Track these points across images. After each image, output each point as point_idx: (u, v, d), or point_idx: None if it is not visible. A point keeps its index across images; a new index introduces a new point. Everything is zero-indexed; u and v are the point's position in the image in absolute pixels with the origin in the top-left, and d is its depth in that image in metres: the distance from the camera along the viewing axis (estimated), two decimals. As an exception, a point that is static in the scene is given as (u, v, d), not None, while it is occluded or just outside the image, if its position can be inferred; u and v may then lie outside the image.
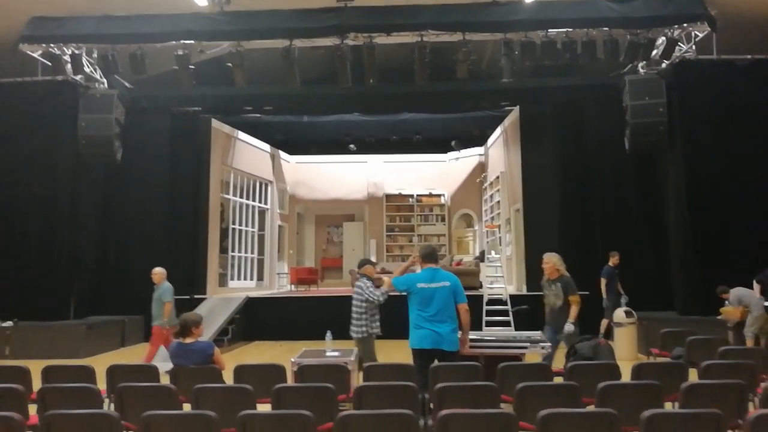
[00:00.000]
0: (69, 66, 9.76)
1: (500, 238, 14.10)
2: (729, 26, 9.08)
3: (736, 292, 7.95)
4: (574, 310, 5.93)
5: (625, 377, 4.48)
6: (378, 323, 6.24)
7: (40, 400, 3.88)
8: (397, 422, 3.03)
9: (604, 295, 9.71)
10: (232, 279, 14.16)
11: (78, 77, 10.15)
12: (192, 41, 9.28)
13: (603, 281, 9.78)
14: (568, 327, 5.91)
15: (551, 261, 6.16)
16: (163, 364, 5.22)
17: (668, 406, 3.94)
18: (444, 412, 3.02)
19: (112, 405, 4.18)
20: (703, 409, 2.97)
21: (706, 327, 8.17)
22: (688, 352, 5.88)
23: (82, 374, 4.61)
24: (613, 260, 9.85)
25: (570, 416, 2.97)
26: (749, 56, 9.61)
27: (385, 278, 4.95)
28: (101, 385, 4.51)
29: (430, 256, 5.03)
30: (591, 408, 3.46)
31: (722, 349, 5.11)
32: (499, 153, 14.60)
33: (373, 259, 17.19)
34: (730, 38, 9.34)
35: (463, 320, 4.89)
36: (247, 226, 15.03)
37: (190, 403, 3.89)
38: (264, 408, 3.87)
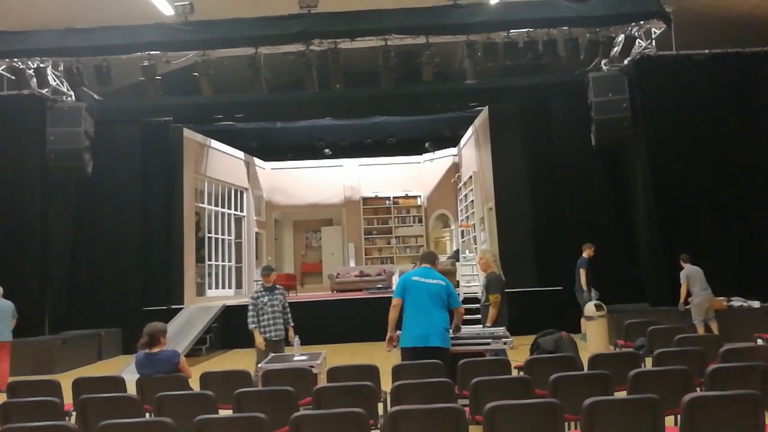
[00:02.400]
0: (34, 80, 9.71)
1: (475, 237, 14.25)
2: (686, 22, 9.33)
3: (687, 270, 8.26)
4: (491, 312, 5.89)
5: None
6: (266, 327, 6.48)
7: (3, 415, 3.90)
8: (351, 421, 3.10)
9: (584, 287, 9.58)
10: (209, 288, 14.14)
11: (44, 91, 10.10)
12: (157, 52, 9.29)
13: (583, 272, 9.66)
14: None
15: (485, 257, 6.29)
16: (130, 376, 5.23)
17: (621, 395, 4.06)
18: (394, 408, 3.11)
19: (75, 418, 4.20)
20: (641, 395, 3.10)
21: (677, 317, 8.41)
22: (649, 341, 6.04)
23: (47, 388, 4.62)
24: (588, 252, 9.82)
25: (516, 407, 3.07)
26: (707, 51, 9.87)
27: (392, 307, 4.96)
28: (71, 399, 4.54)
29: (428, 256, 5.27)
30: (536, 399, 3.56)
31: (678, 337, 5.27)
32: (471, 153, 14.76)
33: (353, 262, 17.31)
34: (688, 34, 9.58)
35: (456, 320, 5.11)
36: (223, 234, 15.01)
37: (153, 412, 3.94)
38: (227, 414, 3.92)
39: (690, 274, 8.37)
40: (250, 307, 6.52)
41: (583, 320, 9.56)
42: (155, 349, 4.70)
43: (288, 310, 6.71)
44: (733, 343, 5.41)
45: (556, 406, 3.03)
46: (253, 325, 6.47)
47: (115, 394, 4.15)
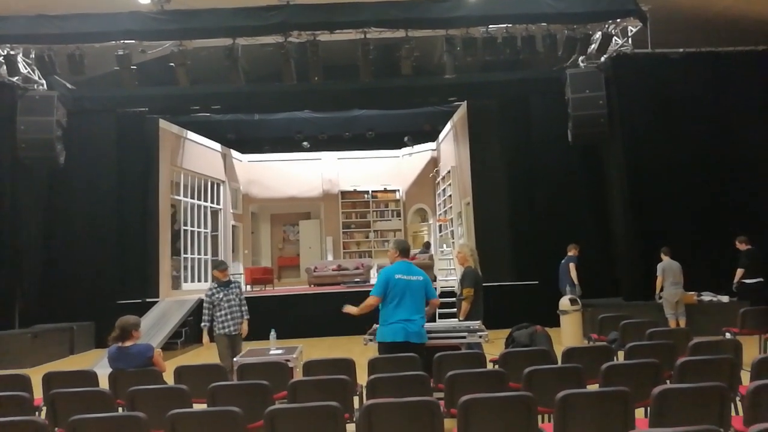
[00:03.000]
0: (4, 67, 9.49)
1: (452, 231, 14.32)
2: (662, 21, 9.46)
3: (664, 264, 8.44)
4: (464, 306, 5.91)
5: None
6: (224, 322, 6.43)
7: (-31, 410, 3.81)
8: (326, 415, 3.10)
9: (576, 282, 9.52)
10: (185, 281, 13.99)
11: (15, 79, 9.86)
12: (133, 41, 9.13)
13: (573, 266, 9.61)
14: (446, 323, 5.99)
15: (462, 251, 6.34)
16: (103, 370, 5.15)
17: (593, 388, 4.12)
18: (369, 402, 3.11)
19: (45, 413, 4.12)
20: (613, 388, 3.15)
21: (650, 311, 8.57)
22: (621, 335, 6.14)
23: (16, 383, 4.53)
24: (574, 251, 9.81)
25: (490, 400, 3.09)
26: (681, 50, 10.03)
27: (369, 300, 4.91)
28: (41, 393, 4.45)
29: (406, 251, 5.18)
30: (510, 393, 3.60)
31: (649, 331, 5.36)
32: (449, 148, 14.82)
33: (331, 256, 17.27)
34: (664, 32, 9.72)
35: (429, 311, 5.08)
36: (199, 227, 14.86)
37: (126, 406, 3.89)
38: (201, 408, 3.89)
39: (666, 267, 8.53)
40: (205, 305, 6.42)
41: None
42: (128, 343, 4.63)
43: (244, 303, 6.63)
44: (702, 336, 5.51)
45: (530, 399, 3.07)
46: (204, 324, 6.40)
47: (87, 389, 4.09)
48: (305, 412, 3.10)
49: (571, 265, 9.69)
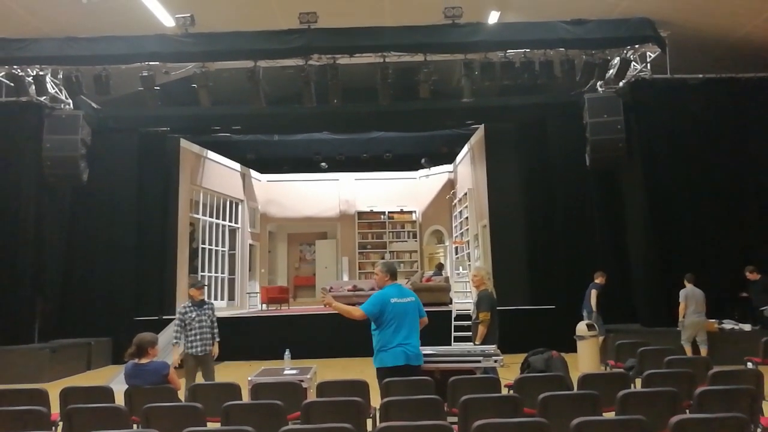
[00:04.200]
0: (33, 87, 9.75)
1: (468, 254, 14.27)
2: (681, 47, 9.47)
3: (687, 291, 8.33)
4: (480, 330, 5.88)
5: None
6: (193, 342, 6.38)
7: (-12, 423, 3.87)
8: (339, 436, 3.10)
9: (594, 310, 9.40)
10: (202, 299, 14.05)
11: (42, 98, 10.14)
12: (157, 62, 9.35)
13: (594, 293, 9.46)
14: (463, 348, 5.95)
15: (479, 274, 6.30)
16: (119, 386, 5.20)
17: (610, 415, 4.06)
18: (383, 424, 3.10)
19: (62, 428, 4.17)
20: (629, 416, 3.11)
21: (668, 338, 8.44)
22: (639, 362, 6.05)
23: (35, 397, 4.59)
24: (601, 279, 9.63)
25: (504, 426, 3.07)
26: (701, 75, 10.00)
27: (353, 310, 4.89)
28: (57, 409, 4.50)
29: (395, 273, 5.09)
30: (524, 418, 3.56)
31: (668, 358, 5.28)
32: (466, 170, 14.84)
33: (346, 276, 17.29)
34: (683, 58, 9.72)
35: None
36: (217, 245, 14.99)
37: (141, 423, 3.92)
38: (215, 426, 3.90)
39: (689, 294, 8.42)
40: (177, 323, 6.39)
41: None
42: (144, 360, 4.68)
43: (216, 325, 6.58)
44: (722, 365, 5.42)
45: (544, 425, 3.04)
46: (176, 341, 6.36)
47: (103, 405, 4.13)
48: (318, 433, 3.10)
49: (593, 292, 9.55)
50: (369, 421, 4.23)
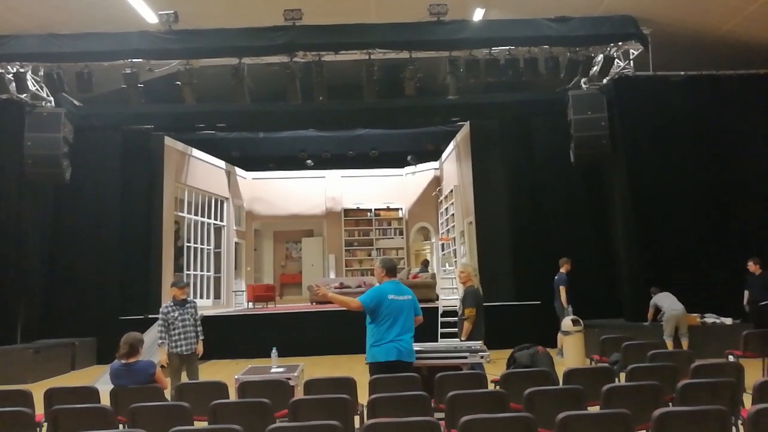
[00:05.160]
0: (13, 84, 9.61)
1: (454, 250, 14.33)
2: (664, 44, 9.58)
3: (655, 299, 8.55)
4: (466, 326, 5.94)
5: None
6: (177, 341, 6.34)
7: (-29, 425, 3.82)
8: (326, 434, 3.10)
9: (565, 305, 9.46)
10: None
11: (23, 96, 9.99)
12: (140, 59, 9.26)
13: (563, 289, 9.54)
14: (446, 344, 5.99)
15: (466, 270, 6.33)
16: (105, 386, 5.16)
17: (594, 410, 4.11)
18: (370, 421, 3.12)
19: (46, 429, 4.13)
20: (613, 410, 3.15)
21: (652, 333, 8.55)
22: (623, 357, 6.12)
23: (19, 399, 4.54)
24: (566, 267, 9.75)
25: (490, 421, 3.10)
26: (683, 73, 10.12)
27: (350, 301, 4.88)
28: (41, 410, 4.45)
29: (393, 270, 5.12)
30: (511, 413, 3.60)
31: (651, 352, 5.35)
32: (452, 167, 14.89)
33: (333, 274, 17.28)
34: (666, 55, 9.83)
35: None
36: (203, 243, 14.91)
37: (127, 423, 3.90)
38: (202, 425, 3.89)
39: (657, 301, 8.60)
40: (160, 323, 6.34)
41: (560, 335, 9.62)
42: (131, 360, 4.65)
43: (199, 323, 6.56)
44: (704, 359, 5.50)
45: (530, 420, 3.07)
46: (161, 341, 6.30)
47: (88, 405, 4.10)
48: (307, 431, 3.11)
49: (561, 289, 9.60)
50: (357, 418, 4.25)
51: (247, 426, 3.30)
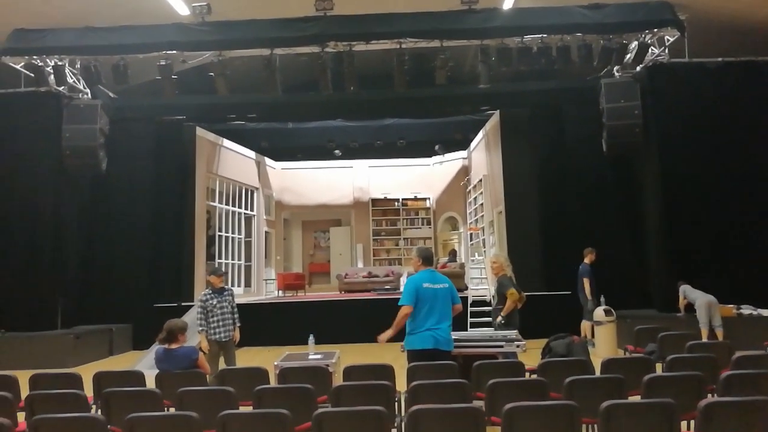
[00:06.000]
0: (52, 77, 9.83)
1: (484, 240, 14.29)
2: (700, 30, 9.36)
3: (683, 289, 8.45)
4: (508, 304, 6.20)
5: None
6: (216, 329, 6.39)
7: (28, 406, 3.98)
8: (371, 419, 3.17)
9: (589, 297, 9.39)
10: (219, 286, 14.21)
11: (61, 88, 10.23)
12: (174, 51, 9.40)
13: (586, 281, 9.47)
14: (498, 320, 6.28)
15: (498, 261, 6.43)
16: (149, 371, 5.32)
17: (635, 399, 4.11)
18: (414, 407, 3.18)
19: (99, 411, 4.28)
20: (657, 399, 3.16)
21: (683, 324, 8.46)
22: (660, 347, 6.08)
23: (69, 381, 4.71)
24: (590, 257, 9.62)
25: (533, 409, 3.13)
26: (719, 59, 9.88)
27: (401, 317, 4.94)
28: (89, 392, 4.61)
29: (429, 259, 5.20)
30: (554, 401, 3.62)
31: (690, 343, 5.31)
32: (481, 156, 14.82)
33: (361, 263, 17.39)
34: (702, 41, 9.61)
35: (453, 314, 5.08)
36: (233, 233, 15.13)
37: (174, 406, 4.02)
38: (246, 410, 3.99)
39: (687, 292, 8.52)
40: (199, 311, 6.40)
41: (583, 324, 9.57)
42: (174, 345, 4.79)
43: (236, 310, 6.64)
44: (741, 351, 5.44)
45: (573, 408, 3.10)
46: (202, 329, 6.36)
47: (138, 388, 4.24)
48: (352, 415, 3.18)
49: (585, 281, 9.49)
50: (395, 405, 4.31)
51: (292, 411, 3.38)
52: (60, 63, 9.80)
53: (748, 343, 7.39)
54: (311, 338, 5.81)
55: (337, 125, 15.09)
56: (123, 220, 11.69)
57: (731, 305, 8.95)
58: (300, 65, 10.44)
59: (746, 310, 9.06)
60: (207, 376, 4.92)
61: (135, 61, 9.58)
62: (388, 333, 5.02)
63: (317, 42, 9.15)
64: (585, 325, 9.58)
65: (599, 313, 9.02)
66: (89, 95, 10.70)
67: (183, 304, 11.77)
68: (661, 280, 10.10)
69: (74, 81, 10.33)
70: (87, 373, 4.95)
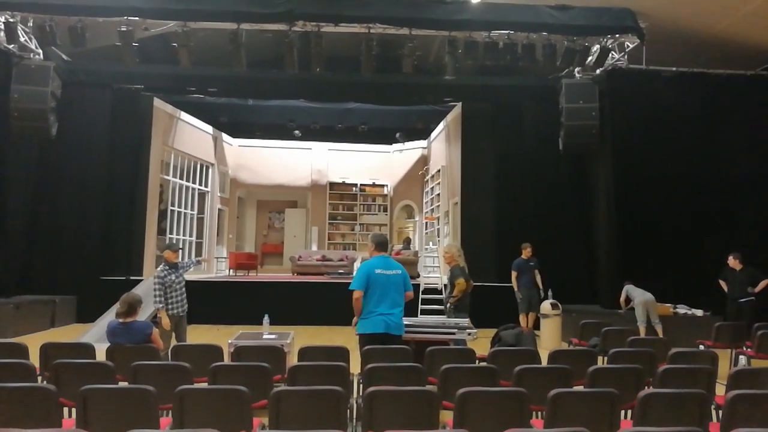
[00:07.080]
0: (2, 34, 9.39)
1: (438, 230, 14.49)
2: (658, 39, 9.71)
3: (627, 288, 8.82)
4: (455, 292, 6.39)
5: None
6: (173, 304, 6.38)
7: (-29, 375, 3.86)
8: (329, 398, 3.23)
9: (515, 288, 9.74)
10: (169, 261, 13.95)
11: (11, 46, 9.76)
12: (137, 18, 9.10)
13: (513, 274, 9.78)
14: (447, 306, 6.53)
15: (451, 251, 6.63)
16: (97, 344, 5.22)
17: (579, 388, 4.31)
18: (371, 388, 3.25)
19: (46, 383, 4.19)
20: (601, 389, 3.34)
21: (627, 320, 8.84)
22: (602, 341, 6.37)
23: (13, 351, 4.58)
24: (525, 252, 9.89)
25: (485, 394, 3.26)
26: (674, 68, 10.30)
27: (355, 302, 4.98)
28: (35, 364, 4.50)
29: (383, 245, 5.27)
30: (505, 388, 3.77)
31: (630, 338, 5.59)
32: (441, 147, 14.98)
33: (315, 246, 17.35)
34: (659, 50, 9.98)
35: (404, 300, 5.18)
36: (186, 208, 14.85)
37: (127, 380, 3.97)
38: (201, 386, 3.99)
39: (629, 291, 8.83)
40: (158, 286, 6.30)
41: (521, 317, 9.81)
42: (129, 319, 4.72)
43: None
44: (677, 347, 5.74)
45: (523, 395, 3.24)
46: (161, 305, 6.27)
47: (89, 360, 4.17)
48: (310, 395, 3.23)
49: (513, 273, 9.82)
50: (351, 386, 4.39)
51: (248, 388, 3.41)
52: (12, 20, 9.32)
53: (684, 339, 7.82)
54: (266, 318, 5.83)
55: (299, 105, 14.95)
56: (72, 189, 11.30)
57: (669, 304, 9.42)
58: (266, 41, 10.28)
59: (681, 309, 9.56)
60: (159, 351, 4.88)
61: (94, 24, 9.22)
62: (355, 319, 5.11)
63: (286, 20, 9.03)
64: (521, 318, 9.83)
65: (546, 306, 9.33)
66: (41, 56, 10.25)
67: (132, 277, 11.52)
68: (607, 278, 10.52)
69: (26, 40, 9.86)
70: (27, 343, 4.78)
